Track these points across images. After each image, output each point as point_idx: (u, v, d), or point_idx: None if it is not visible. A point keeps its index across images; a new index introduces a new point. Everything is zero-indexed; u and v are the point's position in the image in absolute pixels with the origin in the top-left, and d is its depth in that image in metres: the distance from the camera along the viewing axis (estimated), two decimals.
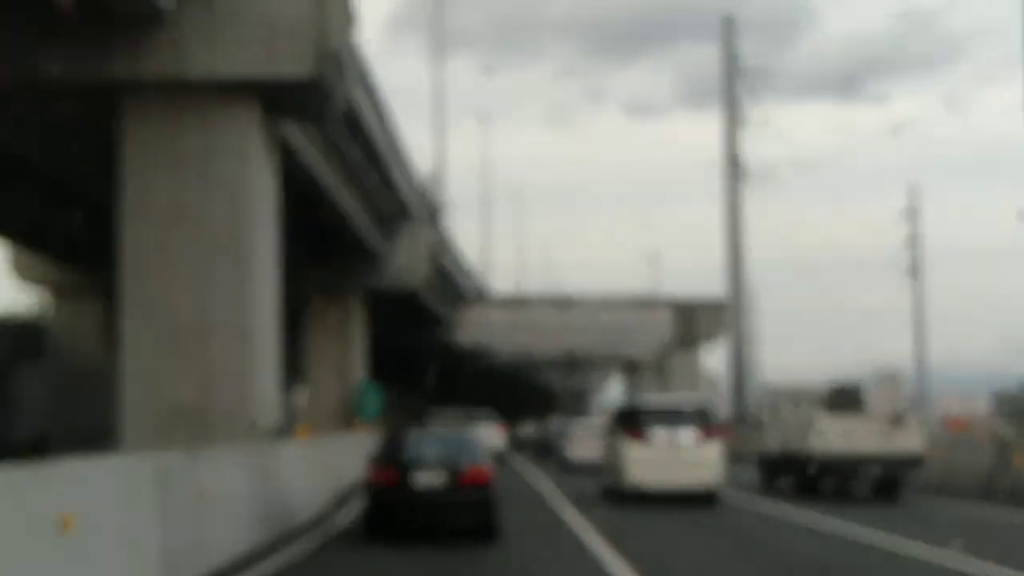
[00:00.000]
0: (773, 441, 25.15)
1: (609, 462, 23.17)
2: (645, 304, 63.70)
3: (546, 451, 43.36)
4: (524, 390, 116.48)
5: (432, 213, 45.81)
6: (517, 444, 57.43)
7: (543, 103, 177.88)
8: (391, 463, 14.81)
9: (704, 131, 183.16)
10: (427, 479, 14.45)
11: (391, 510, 14.63)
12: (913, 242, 64.54)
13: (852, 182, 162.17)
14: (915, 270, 63.88)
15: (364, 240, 36.43)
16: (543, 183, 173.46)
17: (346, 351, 40.28)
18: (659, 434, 21.27)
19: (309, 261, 39.10)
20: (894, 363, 30.58)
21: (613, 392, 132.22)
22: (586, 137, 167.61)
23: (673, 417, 21.84)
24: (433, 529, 14.72)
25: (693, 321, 63.82)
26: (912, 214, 63.94)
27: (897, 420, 22.30)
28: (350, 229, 34.53)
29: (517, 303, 63.86)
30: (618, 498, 21.47)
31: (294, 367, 42.65)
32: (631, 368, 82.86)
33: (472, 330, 62.59)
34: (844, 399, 23.38)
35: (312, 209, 32.21)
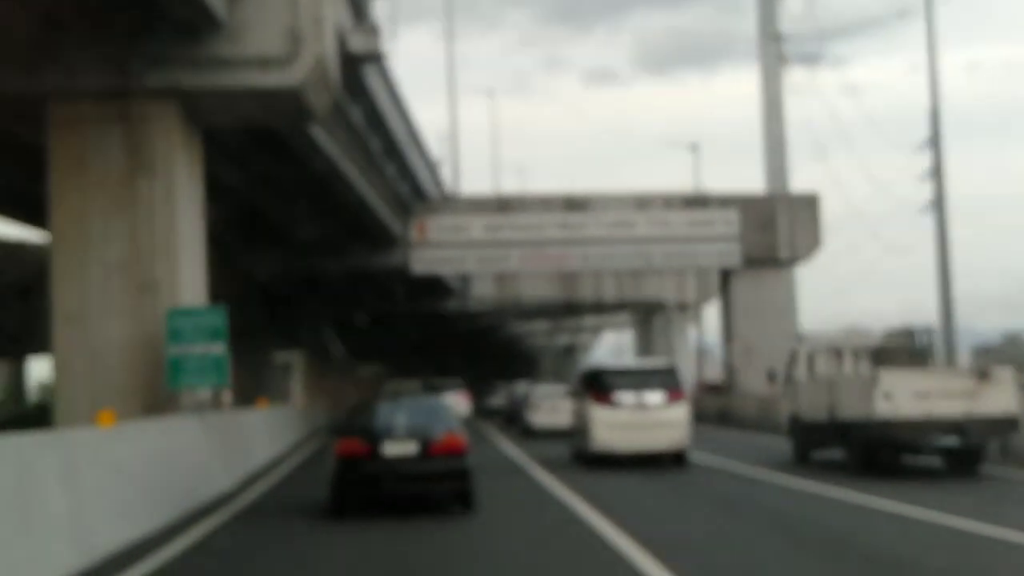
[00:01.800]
0: (811, 405, 20.91)
1: (577, 426, 22.92)
2: (698, 201, 41.49)
3: (514, 418, 39.66)
4: (500, 348, 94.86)
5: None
6: (486, 412, 52.84)
7: (503, 72, 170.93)
8: (359, 433, 14.02)
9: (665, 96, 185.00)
10: (398, 449, 13.81)
11: (361, 483, 13.79)
12: (937, 173, 44.62)
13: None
14: (939, 203, 44.31)
15: None
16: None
17: (144, 237, 17.77)
18: (626, 396, 21.04)
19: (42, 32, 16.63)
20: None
21: (615, 346, 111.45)
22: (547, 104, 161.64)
23: (640, 379, 21.66)
24: (405, 500, 14.17)
25: (774, 228, 41.67)
26: (935, 141, 44.17)
27: (984, 375, 18.37)
28: None
29: (502, 206, 41.55)
30: (588, 461, 21.02)
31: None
32: (651, 311, 61.05)
33: (434, 252, 40.29)
34: (909, 352, 20.71)
35: None
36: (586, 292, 58.39)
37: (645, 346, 60.51)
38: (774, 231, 41.71)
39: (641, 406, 20.86)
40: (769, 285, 42.11)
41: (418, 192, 39.25)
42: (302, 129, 22.85)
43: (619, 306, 62.32)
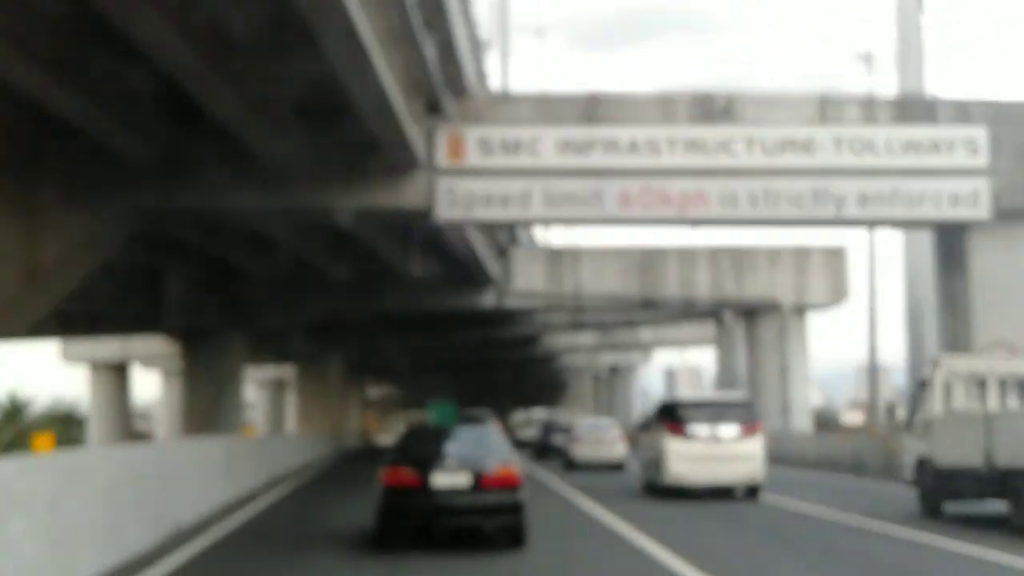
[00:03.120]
0: (952, 447, 17.61)
1: (649, 457, 23.18)
2: (920, 109, 24.95)
3: (546, 451, 40.87)
4: (529, 366, 78.03)
5: None
6: (515, 444, 47.67)
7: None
8: (408, 463, 13.52)
9: None
10: (449, 480, 13.23)
11: (408, 515, 13.38)
12: None
13: None
14: None
15: None
16: None
17: None
18: (700, 429, 21.28)
19: None
20: None
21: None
22: None
23: (715, 412, 21.77)
24: (454, 535, 13.55)
25: None
26: None
27: None
28: None
29: (591, 111, 24.95)
30: (659, 493, 21.45)
31: None
32: (753, 315, 44.09)
33: (476, 183, 23.86)
34: None
35: None
36: (670, 289, 42.37)
37: (751, 365, 43.45)
38: None
39: (715, 438, 20.99)
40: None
41: (454, 75, 22.67)
42: None
43: (715, 308, 45.48)
